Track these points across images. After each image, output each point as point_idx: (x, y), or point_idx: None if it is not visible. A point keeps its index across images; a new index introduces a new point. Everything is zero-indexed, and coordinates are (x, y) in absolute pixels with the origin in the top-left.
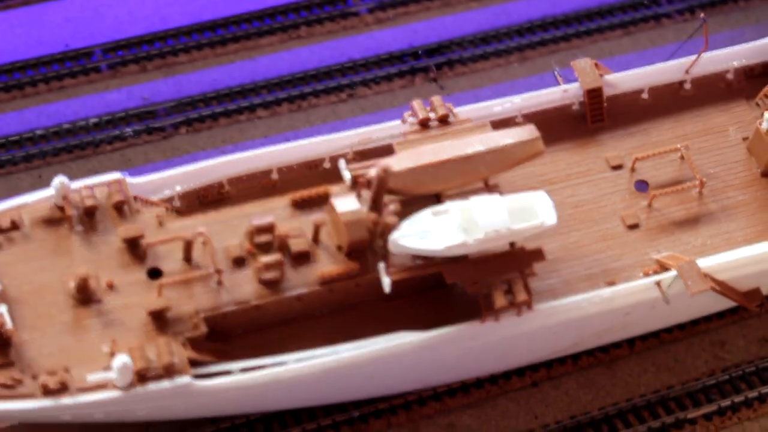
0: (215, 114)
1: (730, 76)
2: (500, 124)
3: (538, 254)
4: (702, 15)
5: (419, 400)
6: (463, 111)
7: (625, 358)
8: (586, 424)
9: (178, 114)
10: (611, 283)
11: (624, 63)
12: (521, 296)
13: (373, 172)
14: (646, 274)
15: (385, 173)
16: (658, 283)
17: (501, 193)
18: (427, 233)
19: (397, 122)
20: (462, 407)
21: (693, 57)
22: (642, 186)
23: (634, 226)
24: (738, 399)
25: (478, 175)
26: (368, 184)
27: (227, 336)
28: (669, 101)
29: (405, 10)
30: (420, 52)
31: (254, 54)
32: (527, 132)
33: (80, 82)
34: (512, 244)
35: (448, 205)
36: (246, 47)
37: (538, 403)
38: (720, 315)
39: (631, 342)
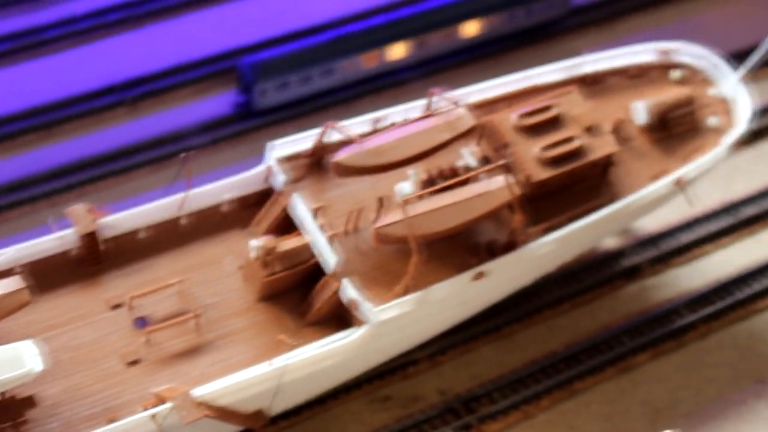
0: None
1: (225, 207)
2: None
3: (28, 402)
4: (182, 155)
5: None
6: None
7: None
8: None
9: None
10: (112, 420)
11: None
12: None
13: None
14: (145, 408)
15: None
16: (153, 416)
17: None
18: None
19: None
20: None
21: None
22: (142, 323)
23: (134, 363)
24: None
25: None
26: None
27: None
28: (167, 237)
29: None
30: None
31: None
32: (12, 283)
33: None
34: (3, 395)
35: None
36: None
37: None
38: None
39: None
